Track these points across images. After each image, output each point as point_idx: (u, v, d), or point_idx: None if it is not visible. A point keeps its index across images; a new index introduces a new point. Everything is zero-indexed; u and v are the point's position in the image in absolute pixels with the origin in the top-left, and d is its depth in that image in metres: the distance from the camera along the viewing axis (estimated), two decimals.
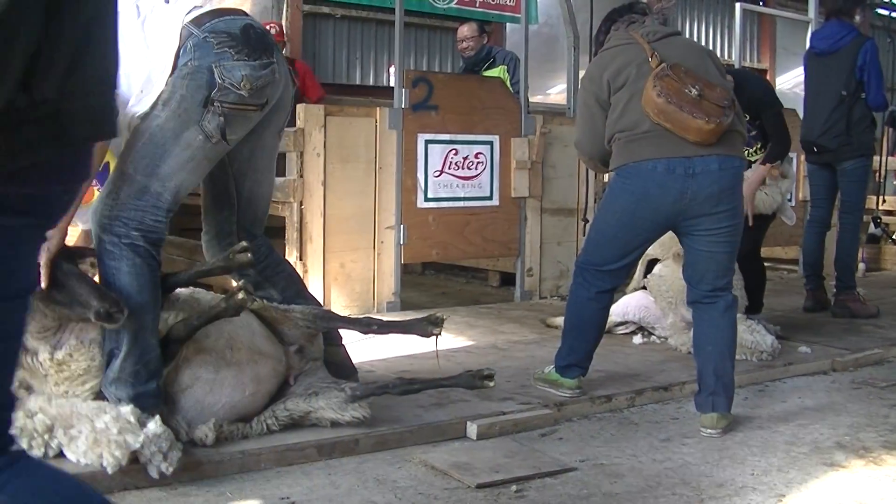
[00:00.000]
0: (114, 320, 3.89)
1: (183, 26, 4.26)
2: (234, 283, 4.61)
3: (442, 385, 4.63)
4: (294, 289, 4.98)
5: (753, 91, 6.89)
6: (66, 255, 4.07)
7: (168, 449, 3.92)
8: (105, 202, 4.17)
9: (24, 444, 3.93)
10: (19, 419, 3.99)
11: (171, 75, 4.24)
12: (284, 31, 12.11)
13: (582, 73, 8.46)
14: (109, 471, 3.80)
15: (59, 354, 4.15)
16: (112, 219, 4.12)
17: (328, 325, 4.71)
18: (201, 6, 4.40)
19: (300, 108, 7.74)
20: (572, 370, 5.37)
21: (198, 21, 4.27)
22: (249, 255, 4.33)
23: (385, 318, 4.65)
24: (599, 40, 5.59)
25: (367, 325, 4.75)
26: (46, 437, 3.97)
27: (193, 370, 4.26)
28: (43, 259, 3.88)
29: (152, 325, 4.16)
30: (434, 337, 4.65)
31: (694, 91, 4.87)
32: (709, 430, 4.98)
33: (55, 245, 3.97)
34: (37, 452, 3.94)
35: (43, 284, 3.91)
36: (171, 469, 3.91)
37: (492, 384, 4.50)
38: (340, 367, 4.87)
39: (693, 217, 5.03)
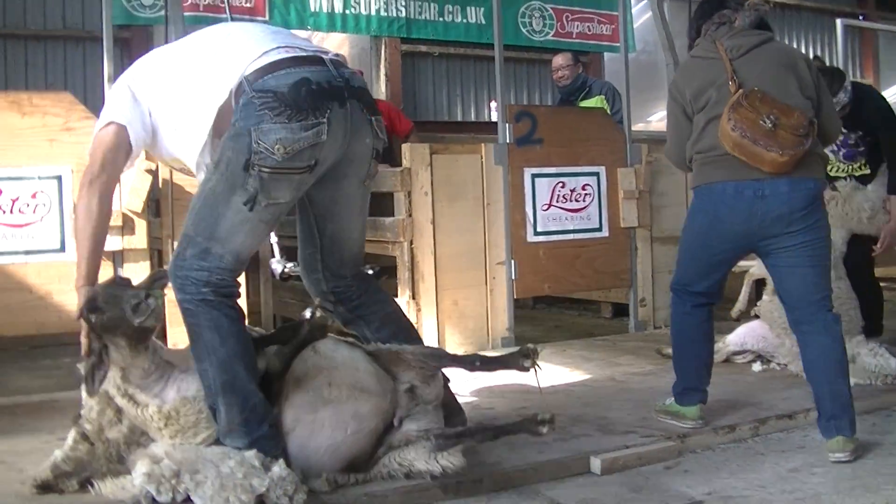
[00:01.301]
0: (140, 311, 4.03)
1: (242, 79, 4.19)
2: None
3: (509, 431, 4.52)
4: (390, 329, 4.85)
5: (873, 110, 6.81)
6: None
7: (293, 492, 3.94)
8: (175, 262, 4.22)
9: (152, 490, 3.98)
10: (146, 465, 4.05)
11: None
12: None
13: None
14: None
15: (166, 409, 4.22)
16: (183, 279, 4.16)
17: (438, 364, 4.62)
18: (279, 50, 4.30)
19: (405, 147, 7.79)
20: (689, 396, 5.32)
21: (256, 74, 4.17)
22: (329, 317, 4.30)
23: (488, 355, 4.57)
24: (691, 35, 5.53)
25: (471, 363, 4.70)
26: (174, 482, 3.99)
27: (293, 411, 4.25)
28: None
29: (247, 372, 4.16)
30: (531, 369, 4.55)
31: (769, 123, 4.82)
32: (837, 455, 4.87)
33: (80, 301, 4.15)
34: (165, 498, 3.98)
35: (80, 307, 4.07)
36: None
37: (545, 430, 4.40)
38: (446, 407, 4.82)
39: (767, 237, 5.02)
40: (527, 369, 4.51)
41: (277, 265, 7.88)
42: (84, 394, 4.33)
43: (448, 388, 4.89)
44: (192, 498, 3.99)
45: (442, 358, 4.65)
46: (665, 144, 5.58)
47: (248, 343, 4.26)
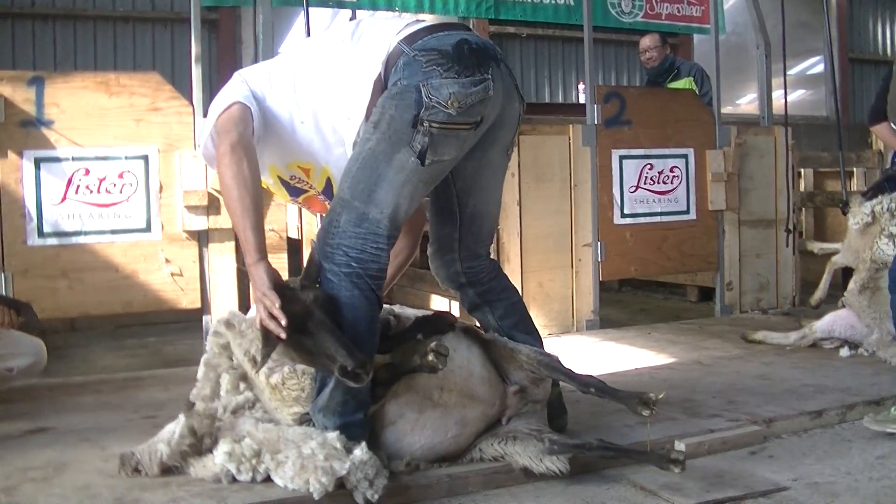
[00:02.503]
0: (359, 380, 3.82)
1: (395, 45, 4.19)
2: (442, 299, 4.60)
3: (633, 456, 4.44)
4: (513, 319, 4.80)
5: None
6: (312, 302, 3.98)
7: (374, 476, 3.92)
8: (327, 229, 4.13)
9: (232, 468, 4.02)
10: (227, 443, 4.08)
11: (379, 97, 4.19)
12: None
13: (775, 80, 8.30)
14: (316, 496, 3.83)
15: (274, 379, 4.21)
16: (333, 247, 4.07)
17: (549, 375, 4.53)
18: (420, 21, 4.35)
19: None
20: None
21: (410, 38, 4.18)
22: (441, 361, 4.04)
23: (604, 382, 4.44)
24: None
25: (585, 385, 4.54)
26: (254, 461, 4.04)
27: (400, 408, 4.23)
28: (273, 301, 3.86)
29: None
30: (647, 419, 4.38)
31: None
32: None
33: (267, 278, 3.97)
34: (245, 476, 4.02)
35: (285, 330, 3.83)
36: (377, 496, 3.91)
37: (677, 470, 4.30)
38: (550, 406, 4.77)
39: None
40: (638, 414, 4.31)
41: None
42: (201, 372, 4.38)
43: (559, 388, 4.84)
44: (272, 477, 4.02)
45: (555, 370, 4.50)
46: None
47: (376, 330, 4.19)
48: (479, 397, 4.36)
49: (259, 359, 4.01)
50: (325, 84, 4.33)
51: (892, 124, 6.95)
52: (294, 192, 4.73)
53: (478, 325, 4.85)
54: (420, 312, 4.62)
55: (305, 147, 4.41)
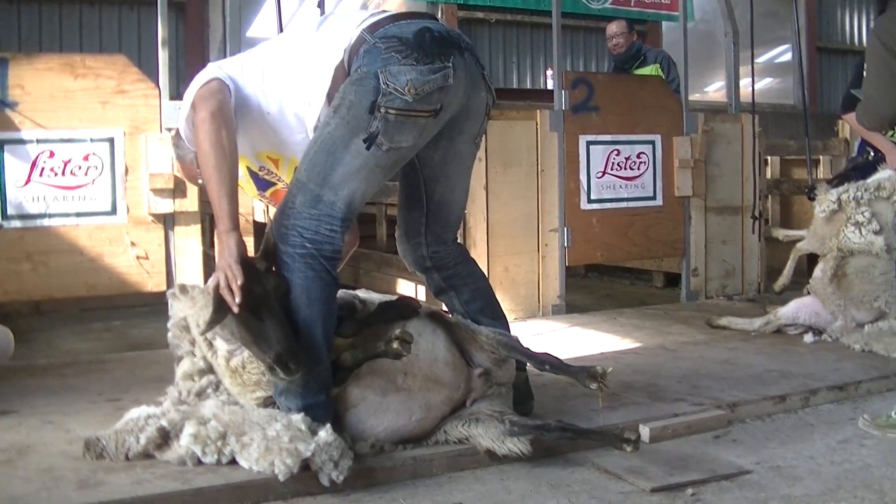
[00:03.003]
0: (289, 372, 3.89)
1: (358, 34, 4.22)
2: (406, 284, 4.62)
3: (591, 437, 4.45)
4: (479, 303, 4.84)
5: None
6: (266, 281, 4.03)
7: (339, 457, 3.92)
8: (282, 211, 4.15)
9: (197, 450, 4.02)
10: (193, 426, 4.08)
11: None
12: None
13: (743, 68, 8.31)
14: (281, 478, 3.84)
15: (234, 362, 4.22)
16: (288, 228, 4.10)
17: (508, 354, 4.57)
18: (385, 11, 4.38)
19: None
20: None
21: (373, 27, 4.21)
22: (405, 348, 4.09)
23: (559, 359, 4.47)
24: None
25: (542, 363, 4.59)
26: (219, 443, 4.03)
27: (362, 391, 4.24)
28: (237, 276, 3.89)
29: (323, 339, 4.12)
30: (597, 392, 4.43)
31: None
32: None
33: (236, 250, 3.98)
34: (210, 459, 4.02)
35: (238, 306, 3.88)
36: (342, 477, 3.92)
37: (629, 449, 4.32)
38: (517, 391, 4.78)
39: None
40: (586, 387, 4.39)
41: None
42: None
43: (526, 373, 4.86)
44: (237, 460, 4.01)
45: (514, 349, 4.55)
46: (862, 102, 5.22)
47: (333, 311, 4.21)
48: (443, 381, 4.38)
49: (205, 323, 4.01)
50: (289, 72, 4.36)
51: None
52: (262, 185, 4.75)
53: (444, 308, 4.86)
54: (385, 297, 4.63)
55: (274, 136, 4.44)
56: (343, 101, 4.15)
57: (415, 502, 3.98)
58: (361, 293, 4.66)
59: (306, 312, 4.07)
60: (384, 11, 4.40)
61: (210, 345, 4.27)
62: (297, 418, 4.01)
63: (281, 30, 8.25)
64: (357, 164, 4.13)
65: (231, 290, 3.87)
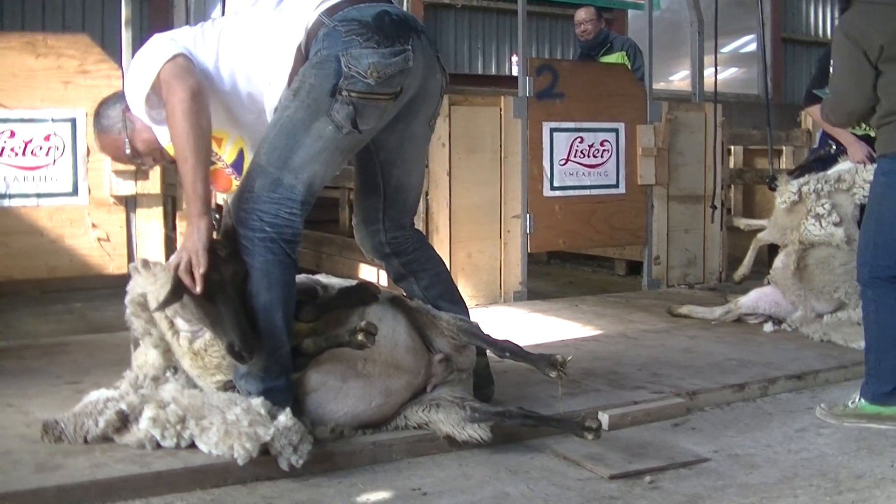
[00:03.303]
0: (241, 360, 3.94)
1: (316, 17, 4.21)
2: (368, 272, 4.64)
3: (552, 424, 4.47)
4: (439, 289, 4.86)
5: None
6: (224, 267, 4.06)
7: (299, 441, 3.93)
8: (241, 195, 4.15)
9: (157, 434, 4.02)
10: (152, 409, 4.07)
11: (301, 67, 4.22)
12: None
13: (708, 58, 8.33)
14: (240, 462, 3.84)
15: (196, 345, 4.21)
16: (248, 212, 4.09)
17: (469, 340, 4.57)
18: None
19: None
20: None
21: (331, 10, 4.21)
22: (369, 340, 4.10)
23: (520, 346, 4.48)
24: None
25: (502, 350, 4.60)
26: (179, 427, 4.03)
27: (322, 376, 4.24)
28: (201, 259, 3.93)
29: (283, 323, 4.12)
30: (557, 380, 4.43)
31: None
32: None
33: (205, 237, 4.00)
34: (169, 442, 4.02)
35: (199, 290, 3.92)
36: (301, 461, 3.92)
37: (590, 437, 4.34)
38: (477, 377, 4.78)
39: None
40: (546, 375, 4.41)
41: None
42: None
43: (486, 359, 4.87)
44: (196, 444, 4.01)
45: (474, 336, 4.56)
46: (830, 97, 5.20)
47: (293, 294, 4.23)
48: (404, 367, 4.39)
49: (161, 300, 4.01)
50: (245, 52, 4.33)
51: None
52: None
53: (403, 294, 4.86)
54: (346, 282, 4.62)
55: (223, 115, 4.41)
56: (303, 84, 4.16)
57: (374, 487, 3.99)
58: (322, 278, 4.65)
59: (266, 296, 4.08)
60: None
61: (171, 324, 4.25)
62: (257, 402, 4.00)
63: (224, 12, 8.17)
64: (317, 147, 4.15)
65: (192, 276, 3.89)
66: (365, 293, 4.47)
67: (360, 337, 4.06)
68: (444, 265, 5.05)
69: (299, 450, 3.92)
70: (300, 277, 4.40)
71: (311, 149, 4.14)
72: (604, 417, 4.73)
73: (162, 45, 4.25)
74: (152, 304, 4.22)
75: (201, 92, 4.13)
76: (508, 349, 4.52)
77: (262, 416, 3.94)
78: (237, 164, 4.53)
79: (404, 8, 13.07)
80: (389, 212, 4.72)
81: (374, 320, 4.24)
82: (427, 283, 4.84)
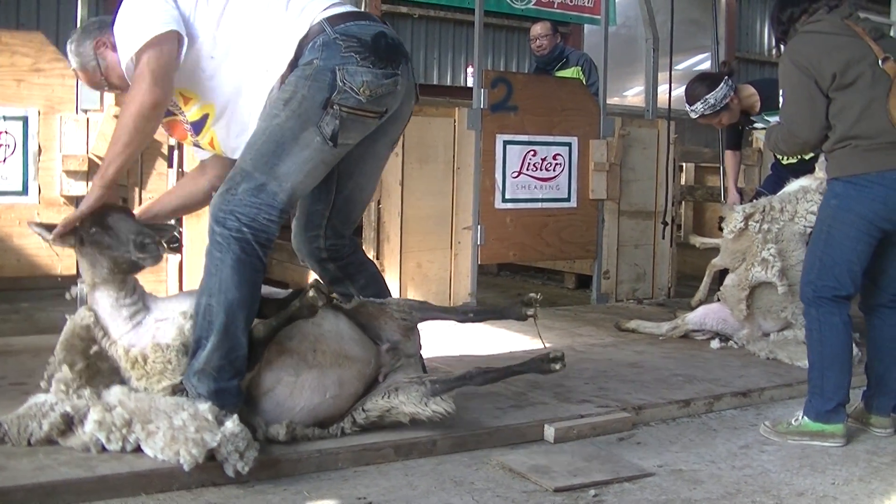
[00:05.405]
0: (147, 251, 4.09)
1: (317, 22, 4.30)
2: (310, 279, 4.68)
3: (515, 371, 4.58)
4: (374, 289, 4.90)
5: None
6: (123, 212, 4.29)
7: (245, 448, 3.92)
8: (223, 196, 4.21)
9: (102, 437, 4.00)
10: (98, 412, 4.05)
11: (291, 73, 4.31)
12: None
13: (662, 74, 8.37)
14: (186, 468, 3.84)
15: (133, 353, 4.22)
16: (227, 213, 4.15)
17: (424, 316, 4.65)
18: (343, 4, 4.45)
19: None
20: (840, 413, 4.96)
21: (335, 19, 4.31)
22: (320, 297, 4.26)
23: (480, 308, 4.55)
24: (794, 16, 5.13)
25: (463, 314, 4.69)
26: (125, 431, 4.01)
27: (276, 373, 4.27)
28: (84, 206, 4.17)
29: (245, 323, 4.19)
30: (531, 318, 4.62)
31: None
32: (887, 431, 5.06)
33: (90, 203, 4.18)
34: (115, 446, 4.01)
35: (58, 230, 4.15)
36: (247, 468, 3.91)
37: (558, 367, 4.43)
38: None
39: None
40: (525, 318, 4.54)
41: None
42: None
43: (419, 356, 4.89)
44: (142, 448, 3.99)
45: (428, 310, 4.65)
46: (779, 127, 5.21)
47: (258, 297, 4.30)
48: (353, 356, 4.44)
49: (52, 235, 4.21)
50: (249, 32, 4.38)
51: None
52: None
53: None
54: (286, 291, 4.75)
55: (204, 81, 4.43)
56: (295, 93, 4.24)
57: (320, 495, 3.99)
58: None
59: (234, 294, 4.15)
60: (342, 3, 4.48)
61: (107, 334, 4.29)
62: (204, 408, 3.99)
63: None
64: (304, 157, 4.24)
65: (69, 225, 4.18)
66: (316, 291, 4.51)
67: (311, 293, 4.22)
68: (376, 267, 5.22)
69: (245, 456, 3.91)
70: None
71: (298, 158, 4.23)
72: (549, 430, 4.76)
73: (159, 11, 4.25)
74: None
75: (163, 103, 4.22)
76: (470, 311, 4.69)
77: (209, 422, 3.93)
78: (197, 125, 4.55)
79: None
80: (333, 221, 4.79)
81: (318, 315, 4.37)
82: (363, 283, 4.91)
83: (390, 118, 4.50)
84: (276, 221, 4.21)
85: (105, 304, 4.26)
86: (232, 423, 3.94)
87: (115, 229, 4.16)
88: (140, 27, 4.21)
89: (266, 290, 4.65)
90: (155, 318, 4.31)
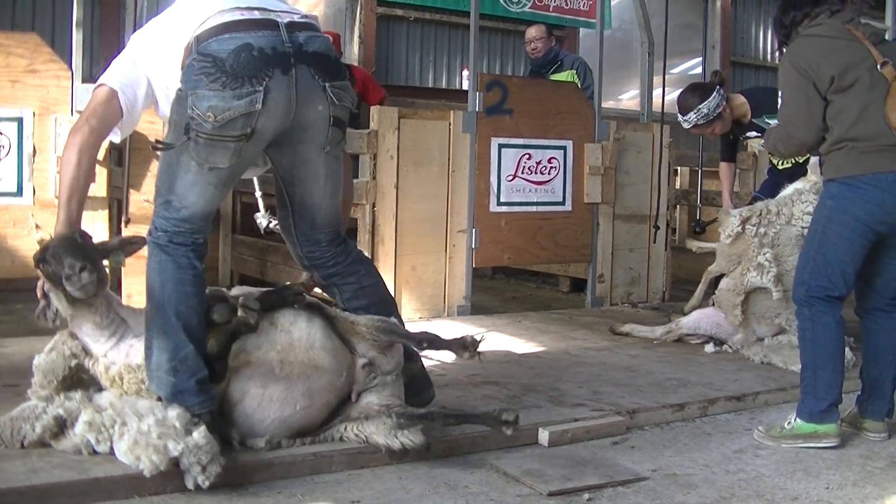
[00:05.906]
0: (71, 283, 4.06)
1: (192, 38, 4.20)
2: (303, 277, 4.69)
3: (472, 421, 4.52)
4: (362, 301, 4.80)
5: None
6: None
7: (208, 462, 3.87)
8: (154, 209, 4.36)
9: (91, 439, 4.01)
10: (88, 413, 4.06)
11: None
12: (341, 42, 12.10)
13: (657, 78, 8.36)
14: (146, 474, 3.81)
15: (112, 372, 4.26)
16: (151, 224, 4.31)
17: (388, 339, 4.56)
18: (225, 12, 4.24)
19: (374, 110, 7.77)
20: (832, 413, 4.99)
21: (203, 35, 4.16)
22: (250, 315, 4.21)
23: (435, 335, 4.50)
24: (796, 20, 5.16)
25: (419, 342, 4.61)
26: (111, 431, 4.03)
27: (243, 384, 4.25)
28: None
29: (179, 320, 4.16)
30: (466, 357, 4.55)
31: None
32: (881, 435, 5.07)
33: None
34: (104, 447, 4.01)
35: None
36: (207, 483, 3.87)
37: (509, 432, 4.41)
38: (414, 380, 4.81)
39: None
40: (462, 357, 4.50)
41: (262, 220, 7.62)
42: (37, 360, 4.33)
43: (419, 362, 4.92)
44: (114, 448, 4.01)
45: (391, 333, 4.56)
46: (777, 128, 5.25)
47: (190, 294, 4.24)
48: (323, 367, 4.38)
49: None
50: (156, 55, 4.43)
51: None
52: None
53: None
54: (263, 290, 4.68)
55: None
56: (171, 119, 4.31)
57: (314, 499, 4.00)
58: (235, 290, 4.62)
59: (159, 293, 4.21)
60: (229, 11, 4.25)
61: (88, 353, 4.32)
62: (173, 415, 3.98)
63: None
64: (189, 180, 4.25)
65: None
66: (285, 294, 4.51)
67: (241, 314, 4.19)
68: (375, 280, 5.00)
69: (207, 470, 3.87)
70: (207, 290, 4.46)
71: (185, 181, 4.25)
72: (543, 434, 4.76)
73: (110, 68, 4.49)
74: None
75: (80, 131, 4.31)
76: (425, 340, 4.59)
77: (175, 430, 3.90)
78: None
79: (356, 20, 13.22)
80: (300, 226, 4.73)
81: (287, 324, 4.37)
82: (349, 295, 4.82)
83: (297, 127, 4.33)
84: (188, 229, 4.27)
85: (86, 328, 4.29)
86: (199, 435, 3.91)
87: (53, 262, 4.16)
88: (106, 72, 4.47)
89: (239, 290, 4.62)
90: (133, 334, 4.34)
